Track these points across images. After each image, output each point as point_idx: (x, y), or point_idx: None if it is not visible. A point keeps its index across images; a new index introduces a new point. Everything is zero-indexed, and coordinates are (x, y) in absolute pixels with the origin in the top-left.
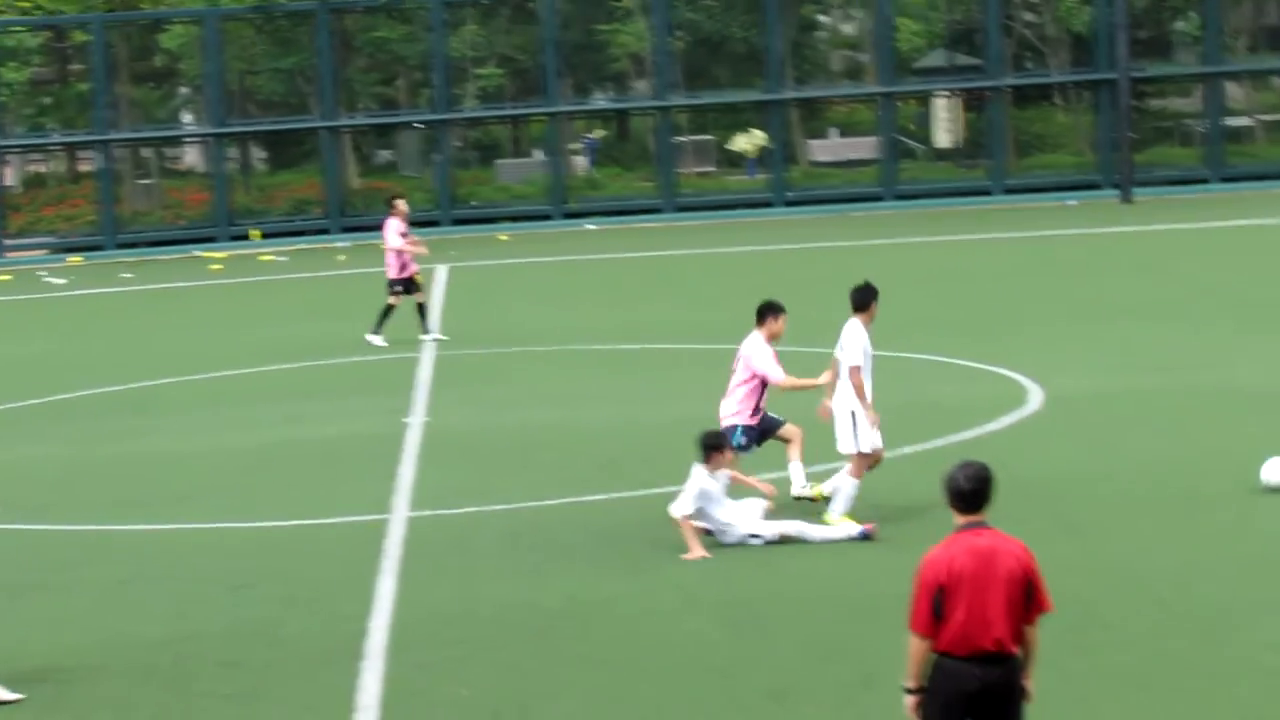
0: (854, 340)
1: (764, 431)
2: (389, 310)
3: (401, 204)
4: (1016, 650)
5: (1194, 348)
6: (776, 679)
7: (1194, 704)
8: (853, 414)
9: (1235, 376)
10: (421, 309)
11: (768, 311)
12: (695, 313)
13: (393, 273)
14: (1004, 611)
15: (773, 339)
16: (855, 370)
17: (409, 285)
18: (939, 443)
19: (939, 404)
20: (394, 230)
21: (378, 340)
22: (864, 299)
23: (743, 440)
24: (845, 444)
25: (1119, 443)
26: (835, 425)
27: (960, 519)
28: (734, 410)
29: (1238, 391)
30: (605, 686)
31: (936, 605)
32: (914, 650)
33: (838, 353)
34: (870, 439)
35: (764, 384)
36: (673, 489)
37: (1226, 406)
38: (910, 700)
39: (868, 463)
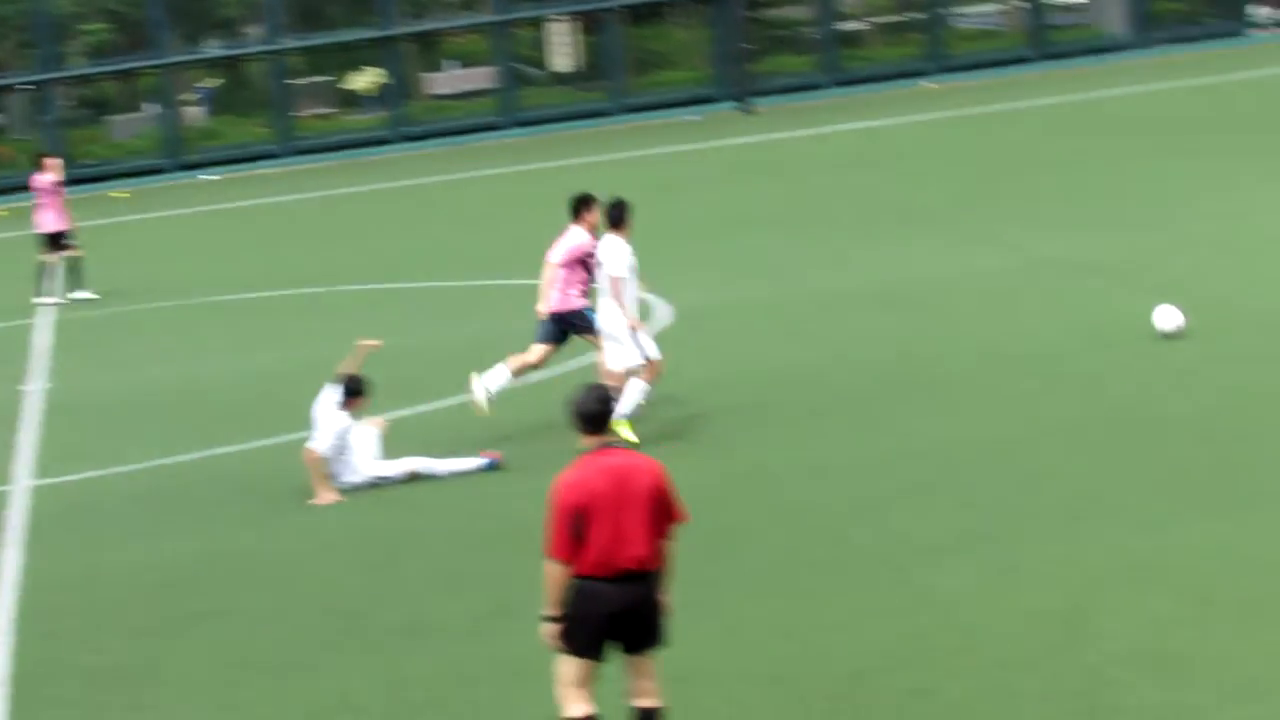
0: (616, 255)
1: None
2: (47, 267)
3: (51, 160)
4: (657, 566)
5: (818, 253)
6: (409, 614)
7: (822, 602)
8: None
9: (858, 279)
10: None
11: (582, 205)
12: (319, 257)
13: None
14: (643, 529)
15: (592, 230)
16: (617, 282)
17: (57, 240)
18: (567, 367)
19: None
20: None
21: (81, 295)
22: (620, 214)
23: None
24: (628, 358)
25: (749, 351)
26: (608, 343)
27: (588, 440)
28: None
29: (860, 294)
30: (236, 637)
31: (576, 529)
32: (552, 576)
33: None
34: (651, 345)
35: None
36: (300, 436)
37: (850, 309)
38: (550, 628)
39: (655, 370)
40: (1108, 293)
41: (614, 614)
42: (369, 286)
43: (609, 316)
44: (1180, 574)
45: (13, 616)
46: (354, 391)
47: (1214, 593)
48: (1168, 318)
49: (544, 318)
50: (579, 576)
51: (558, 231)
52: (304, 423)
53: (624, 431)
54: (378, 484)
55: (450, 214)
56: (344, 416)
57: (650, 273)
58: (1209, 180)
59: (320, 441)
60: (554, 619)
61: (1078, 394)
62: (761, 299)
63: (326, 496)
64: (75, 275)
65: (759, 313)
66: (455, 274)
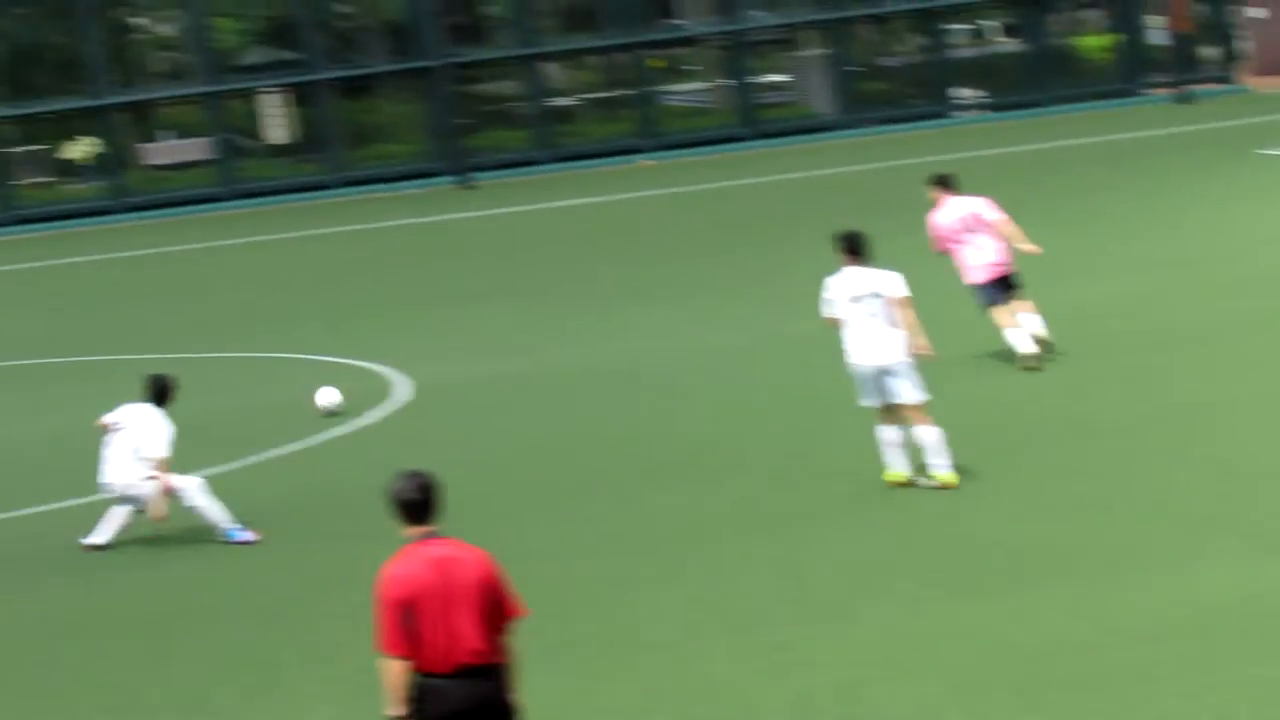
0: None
1: None
2: None
3: None
4: (497, 660)
5: (552, 329)
6: (178, 689)
7: (602, 674)
8: None
9: (594, 355)
10: None
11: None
12: (37, 328)
13: None
14: (475, 622)
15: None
16: (906, 304)
17: None
18: (311, 442)
19: (308, 403)
20: None
21: None
22: (856, 244)
23: None
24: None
25: (497, 428)
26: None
27: (411, 530)
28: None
29: (592, 370)
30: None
31: (405, 622)
32: (390, 673)
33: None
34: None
35: None
36: (50, 507)
37: (589, 385)
38: None
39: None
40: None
41: (459, 712)
42: (90, 358)
43: (896, 346)
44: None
45: None
46: (166, 388)
47: (983, 677)
48: (326, 396)
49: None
50: (420, 673)
51: (285, 305)
52: (46, 494)
53: (944, 478)
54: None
55: (170, 285)
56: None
57: (381, 348)
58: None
59: (159, 447)
60: (398, 717)
61: (813, 472)
62: (501, 373)
63: (162, 510)
64: None
65: (501, 388)
66: (179, 345)
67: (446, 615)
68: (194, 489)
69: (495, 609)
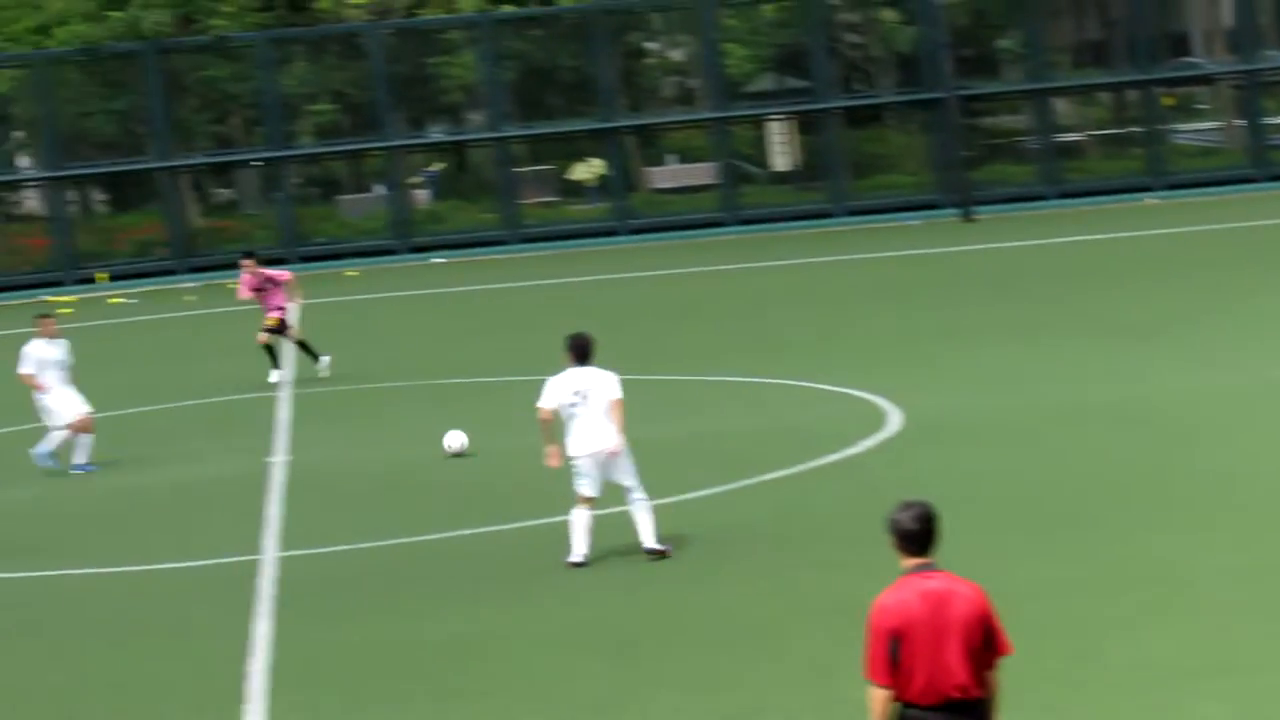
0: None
1: None
2: (267, 349)
3: (243, 264)
4: (982, 694)
5: (1050, 366)
6: (654, 712)
7: (1075, 717)
8: None
9: (1093, 393)
10: (303, 346)
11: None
12: (550, 343)
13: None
14: (963, 657)
15: None
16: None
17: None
18: (801, 468)
19: (798, 429)
20: (244, 285)
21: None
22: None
23: None
24: None
25: (982, 462)
26: None
27: (908, 561)
28: None
29: (1089, 407)
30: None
31: (892, 653)
32: (875, 701)
33: None
34: None
35: None
36: (549, 520)
37: (1080, 423)
38: None
39: None
40: None
41: None
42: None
43: None
44: None
45: (266, 686)
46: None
47: None
48: (454, 439)
49: None
50: (904, 703)
51: (777, 328)
52: (546, 509)
53: None
54: None
55: (671, 307)
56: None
57: (876, 377)
58: None
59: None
60: None
61: None
62: (990, 408)
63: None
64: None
65: (992, 423)
66: (674, 368)
67: (936, 648)
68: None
69: (985, 645)
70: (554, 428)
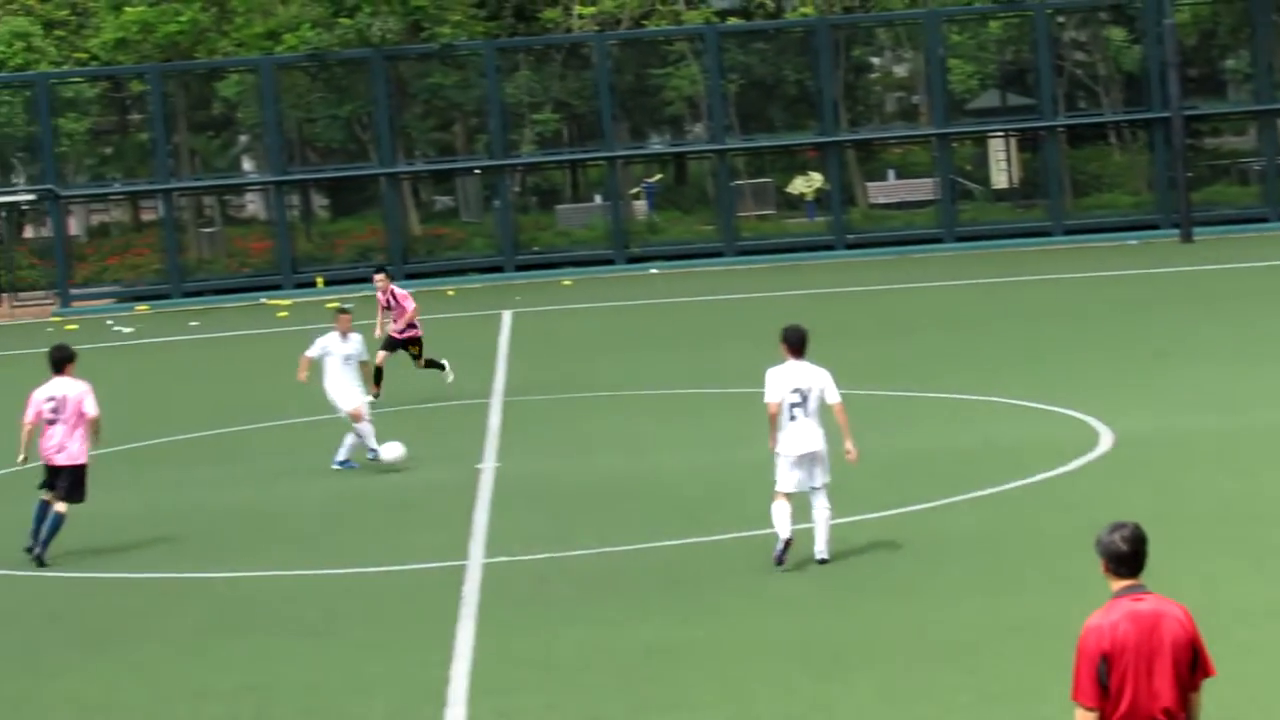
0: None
1: None
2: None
3: (375, 280)
4: (1186, 716)
5: (1261, 387)
6: None
7: None
8: None
9: None
10: (377, 374)
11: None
12: (760, 356)
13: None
14: (1171, 680)
15: None
16: None
17: (396, 345)
18: (1011, 486)
19: (1008, 446)
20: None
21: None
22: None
23: None
24: None
25: (1191, 484)
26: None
27: (1117, 583)
28: None
29: None
30: None
31: (1101, 675)
32: None
33: None
34: None
35: None
36: (750, 533)
37: None
38: None
39: None
40: None
41: None
42: None
43: None
44: None
45: (466, 691)
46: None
47: None
48: (390, 451)
49: None
50: None
51: (992, 346)
52: (746, 522)
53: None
54: None
55: (887, 323)
56: None
57: (1088, 397)
58: None
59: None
60: None
61: None
62: (1202, 430)
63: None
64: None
65: (1203, 444)
66: (888, 383)
67: (1145, 671)
68: None
69: (1191, 667)
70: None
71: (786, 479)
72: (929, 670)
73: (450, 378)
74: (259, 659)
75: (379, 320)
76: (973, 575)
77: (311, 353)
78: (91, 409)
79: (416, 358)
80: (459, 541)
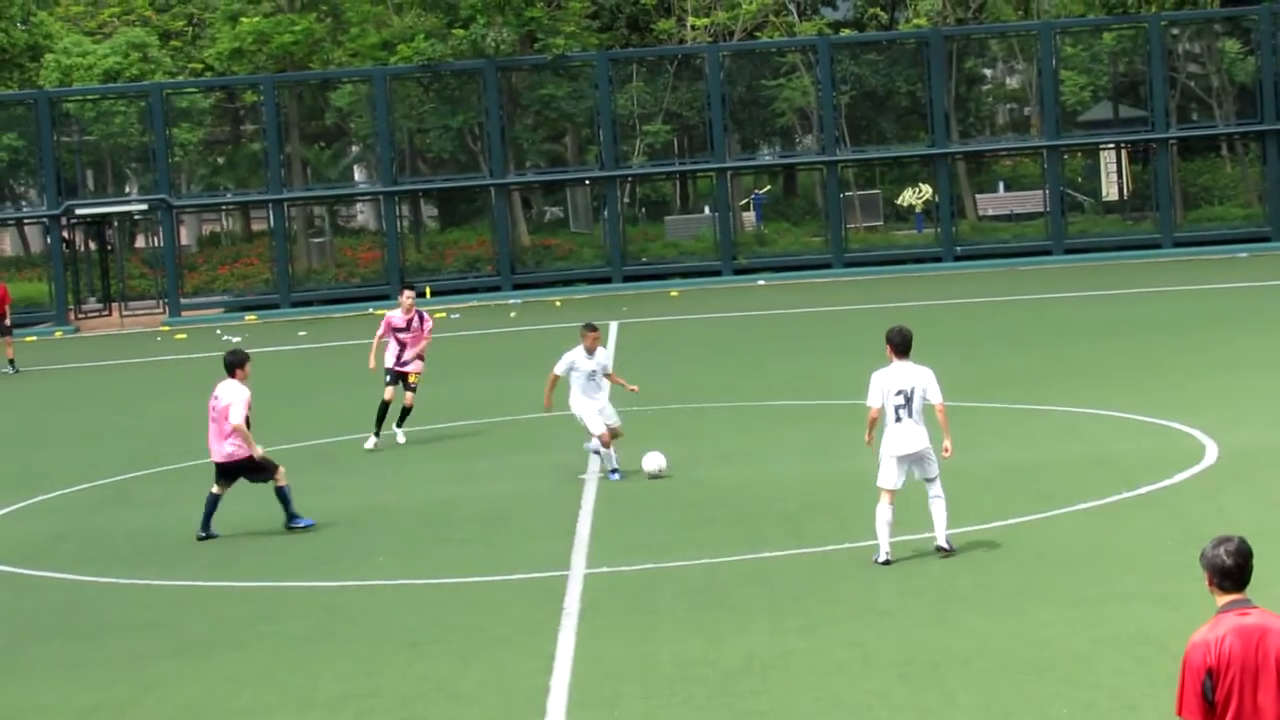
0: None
1: None
2: (381, 408)
3: (405, 295)
4: None
5: None
6: None
7: None
8: None
9: None
10: (406, 412)
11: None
12: (866, 367)
13: (389, 361)
14: (1276, 695)
15: None
16: None
17: (399, 378)
18: (1116, 498)
19: (1114, 459)
20: (386, 323)
21: (369, 443)
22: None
23: None
24: None
25: None
26: None
27: (1222, 598)
28: None
29: None
30: None
31: (1206, 691)
32: None
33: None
34: None
35: None
36: (852, 545)
37: None
38: None
39: None
40: None
41: None
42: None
43: None
44: None
45: (565, 701)
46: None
47: None
48: (652, 462)
49: None
50: None
51: (1100, 359)
52: (848, 533)
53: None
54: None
55: (996, 334)
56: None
57: (1196, 410)
58: None
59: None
60: None
61: None
62: None
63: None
64: (404, 417)
65: None
66: (996, 395)
67: (1250, 686)
68: None
69: None
70: (879, 422)
71: (890, 477)
72: (1029, 682)
73: (370, 444)
74: (360, 668)
75: (376, 343)
76: (1076, 588)
77: (559, 369)
78: (234, 417)
79: (413, 390)
80: (561, 551)
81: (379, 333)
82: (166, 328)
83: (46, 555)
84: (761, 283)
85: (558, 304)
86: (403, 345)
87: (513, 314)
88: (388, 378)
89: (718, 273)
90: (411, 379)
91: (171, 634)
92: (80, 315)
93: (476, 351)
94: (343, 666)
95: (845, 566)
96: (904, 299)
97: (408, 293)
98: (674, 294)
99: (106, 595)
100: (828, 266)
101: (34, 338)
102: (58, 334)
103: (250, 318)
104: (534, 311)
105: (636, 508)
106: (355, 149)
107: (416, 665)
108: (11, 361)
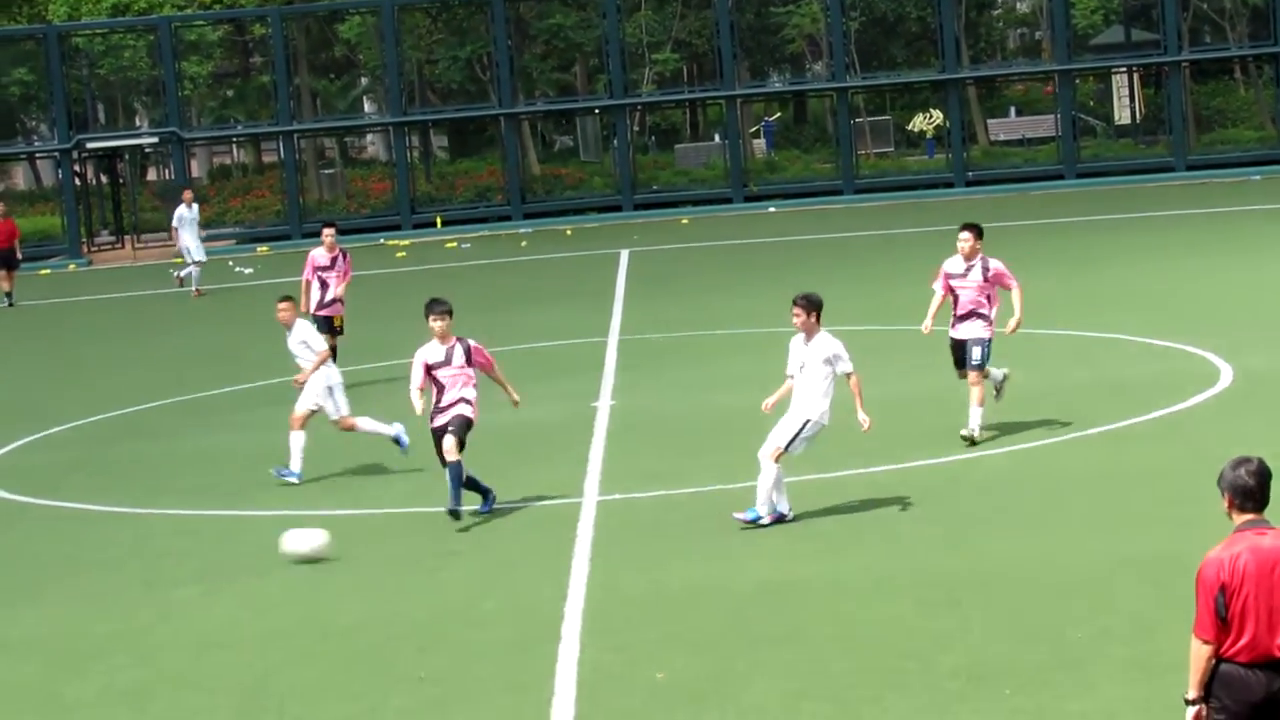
0: None
1: None
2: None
3: (326, 233)
4: None
5: None
6: (972, 660)
7: None
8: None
9: None
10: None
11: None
12: (876, 295)
13: (310, 306)
14: None
15: None
16: None
17: (325, 325)
18: (1130, 421)
19: (1129, 383)
20: (309, 263)
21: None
22: None
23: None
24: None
25: None
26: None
27: (1240, 517)
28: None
29: None
30: (801, 667)
31: (1219, 607)
32: (1196, 656)
33: None
34: None
35: None
36: (862, 471)
37: None
38: (1193, 712)
39: None
40: None
41: (1257, 704)
42: (891, 328)
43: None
44: None
45: (581, 627)
46: None
47: None
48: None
49: None
50: (1221, 659)
51: (1111, 283)
52: (863, 458)
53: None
54: None
55: (1007, 260)
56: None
57: (1209, 333)
58: None
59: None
60: (1194, 701)
61: None
62: None
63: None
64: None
65: None
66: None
67: (1265, 605)
68: None
69: None
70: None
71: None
72: (1045, 605)
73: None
74: (377, 594)
75: (304, 285)
76: (1092, 511)
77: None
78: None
79: (339, 332)
80: (574, 478)
81: (304, 275)
82: (180, 260)
83: (62, 486)
84: (772, 209)
85: (568, 232)
86: (325, 285)
87: (523, 244)
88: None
89: (728, 200)
90: (336, 322)
91: (189, 562)
92: (93, 248)
93: (489, 281)
94: (361, 592)
95: (859, 491)
96: (915, 224)
97: (328, 230)
98: (685, 222)
99: (122, 525)
100: (839, 193)
101: (48, 270)
102: (71, 267)
103: (262, 249)
104: (544, 240)
105: (649, 434)
106: (364, 80)
107: (433, 591)
108: (8, 294)
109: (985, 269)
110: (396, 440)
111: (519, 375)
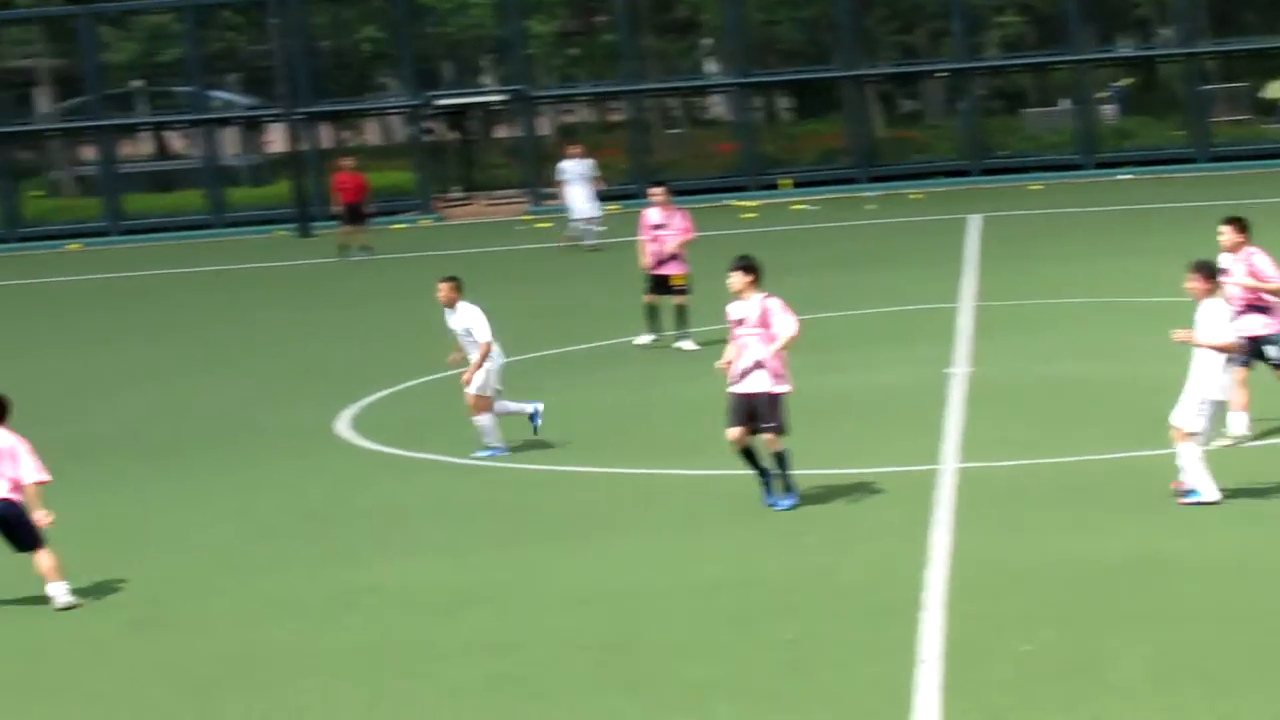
0: None
1: None
2: (649, 310)
3: (653, 192)
4: None
5: None
6: None
7: None
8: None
9: None
10: (680, 313)
11: None
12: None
13: (650, 263)
14: None
15: None
16: None
17: (660, 284)
18: None
19: None
20: (643, 222)
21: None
22: None
23: None
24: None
25: None
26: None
27: None
28: None
29: None
30: (1171, 645)
31: None
32: None
33: None
34: None
35: None
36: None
37: None
38: None
39: None
40: None
41: None
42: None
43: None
44: None
45: (944, 596)
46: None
47: None
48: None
49: None
50: None
51: None
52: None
53: None
54: None
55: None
56: None
57: None
58: None
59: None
60: None
61: None
62: None
63: None
64: (681, 320)
65: None
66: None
67: None
68: None
69: None
70: None
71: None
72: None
73: (641, 340)
74: (737, 555)
75: (644, 247)
76: None
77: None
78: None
79: (680, 292)
80: (930, 445)
81: (641, 235)
82: (529, 217)
83: (420, 438)
84: (1124, 177)
85: (914, 197)
86: (659, 244)
87: (870, 206)
88: (649, 284)
89: (1079, 167)
90: (673, 281)
91: (544, 517)
92: (444, 204)
93: (837, 243)
94: (720, 554)
95: (1223, 468)
96: (1273, 194)
97: (656, 189)
98: (1035, 187)
99: (477, 478)
100: (1192, 161)
101: (402, 225)
102: (423, 222)
103: (611, 207)
104: (892, 204)
105: (1007, 402)
106: (707, 41)
107: (793, 555)
108: (365, 248)
109: (1247, 263)
110: (532, 417)
111: (868, 340)
